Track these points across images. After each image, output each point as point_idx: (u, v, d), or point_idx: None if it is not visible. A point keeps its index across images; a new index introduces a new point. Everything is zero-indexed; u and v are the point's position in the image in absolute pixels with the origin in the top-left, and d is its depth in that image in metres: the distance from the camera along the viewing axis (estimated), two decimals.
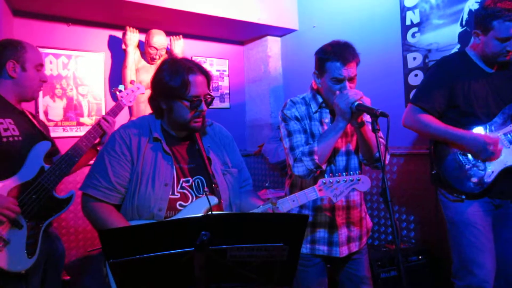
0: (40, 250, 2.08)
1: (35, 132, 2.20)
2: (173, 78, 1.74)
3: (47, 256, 2.20)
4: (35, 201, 2.04)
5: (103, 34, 4.03)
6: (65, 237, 3.69)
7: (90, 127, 2.31)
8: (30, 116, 2.25)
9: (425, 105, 2.36)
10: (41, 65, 2.23)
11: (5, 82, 2.13)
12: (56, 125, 3.68)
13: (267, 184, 3.74)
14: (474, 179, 2.23)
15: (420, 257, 3.01)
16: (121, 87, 2.52)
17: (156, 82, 1.80)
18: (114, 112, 2.40)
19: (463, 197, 2.29)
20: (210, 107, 1.84)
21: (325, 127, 2.05)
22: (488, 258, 2.23)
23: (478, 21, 2.26)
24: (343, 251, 2.08)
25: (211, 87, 1.86)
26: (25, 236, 2.01)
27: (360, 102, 1.83)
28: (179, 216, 1.73)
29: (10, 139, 2.03)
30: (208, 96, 1.81)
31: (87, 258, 3.53)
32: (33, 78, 2.17)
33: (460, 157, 2.28)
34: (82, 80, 3.86)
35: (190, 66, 1.77)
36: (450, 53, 2.67)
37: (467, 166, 2.26)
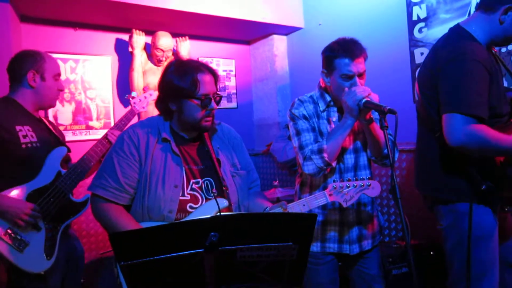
0: (59, 252, 2.15)
1: (52, 138, 2.30)
2: (182, 78, 1.74)
3: (68, 257, 2.27)
4: (52, 204, 2.14)
5: (110, 38, 4.05)
6: None
7: (101, 130, 2.39)
8: (47, 123, 2.36)
9: (482, 113, 1.77)
10: (59, 74, 2.32)
11: (25, 91, 2.22)
12: (65, 129, 3.70)
13: (275, 183, 3.72)
14: None
15: (431, 253, 2.99)
16: (134, 93, 2.65)
17: (165, 83, 1.81)
18: (127, 117, 2.49)
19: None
20: (218, 107, 1.84)
21: (333, 126, 2.05)
22: (497, 270, 1.97)
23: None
24: (354, 249, 2.07)
25: (218, 87, 1.87)
26: (43, 238, 2.09)
27: (368, 99, 1.83)
28: (189, 218, 1.74)
29: (29, 145, 2.13)
30: (217, 95, 1.82)
31: (100, 261, 3.56)
32: (51, 87, 2.27)
33: None
34: (90, 84, 3.89)
35: (197, 66, 1.78)
36: (460, 41, 1.91)
37: None
